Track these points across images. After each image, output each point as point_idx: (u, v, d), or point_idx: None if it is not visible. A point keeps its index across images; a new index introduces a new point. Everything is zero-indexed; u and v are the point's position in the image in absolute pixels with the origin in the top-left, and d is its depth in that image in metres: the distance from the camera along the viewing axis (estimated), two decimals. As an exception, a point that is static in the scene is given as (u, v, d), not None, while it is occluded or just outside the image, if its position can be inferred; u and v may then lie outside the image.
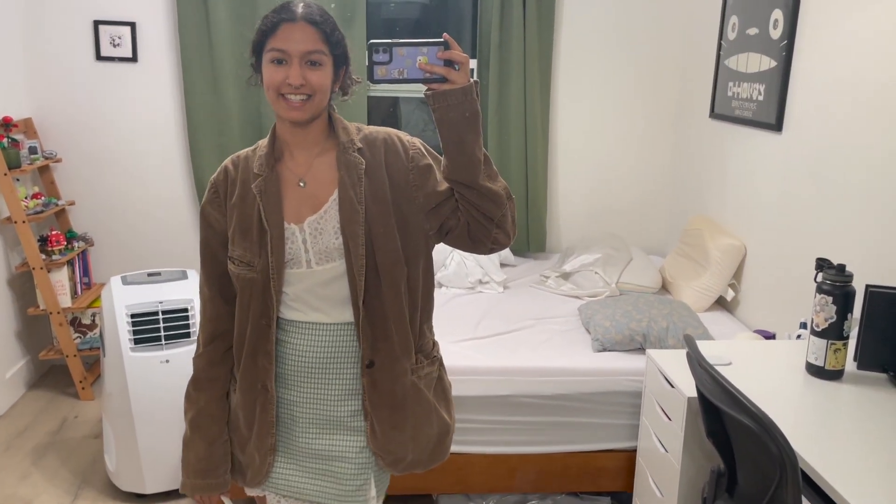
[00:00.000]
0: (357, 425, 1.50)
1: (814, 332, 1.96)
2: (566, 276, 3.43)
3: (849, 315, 1.92)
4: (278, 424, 1.51)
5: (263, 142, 1.51)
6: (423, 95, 1.34)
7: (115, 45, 3.60)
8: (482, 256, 3.45)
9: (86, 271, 3.70)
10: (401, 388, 1.48)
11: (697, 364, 1.61)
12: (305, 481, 1.51)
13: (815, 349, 1.96)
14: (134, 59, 3.63)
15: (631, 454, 2.52)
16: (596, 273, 3.32)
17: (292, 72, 1.36)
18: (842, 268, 1.92)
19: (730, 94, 3.24)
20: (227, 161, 1.53)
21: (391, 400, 1.47)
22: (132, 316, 2.63)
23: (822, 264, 1.97)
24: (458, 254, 3.45)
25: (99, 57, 3.61)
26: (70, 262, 3.54)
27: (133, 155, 3.75)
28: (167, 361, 2.61)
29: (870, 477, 1.49)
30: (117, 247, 3.83)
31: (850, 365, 2.03)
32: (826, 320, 1.92)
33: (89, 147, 3.71)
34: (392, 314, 1.45)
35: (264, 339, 1.46)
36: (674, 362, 2.17)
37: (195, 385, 1.56)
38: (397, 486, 2.27)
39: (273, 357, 1.47)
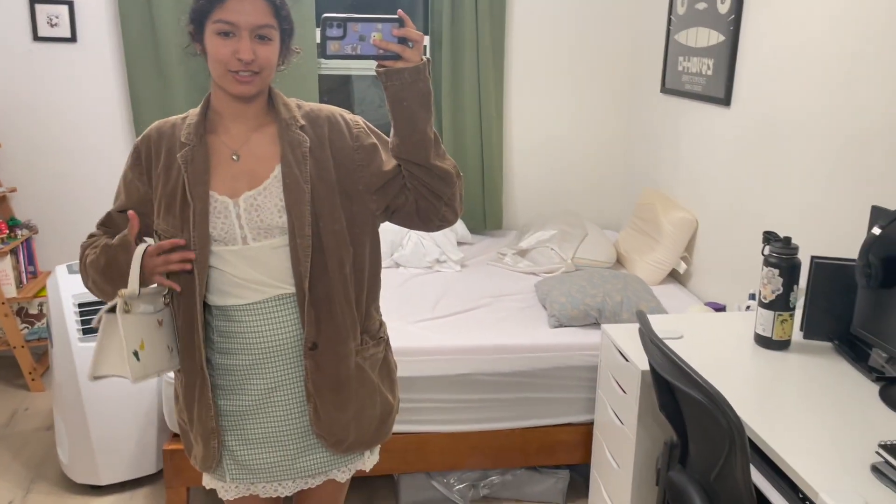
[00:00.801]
0: None
1: (761, 304, 2.00)
2: (523, 252, 3.45)
3: (795, 286, 1.97)
4: (255, 415, 1.48)
5: (195, 111, 1.46)
6: (374, 72, 1.33)
7: (52, 25, 3.46)
8: (439, 235, 3.44)
9: (31, 260, 3.59)
10: (345, 369, 1.47)
11: (649, 340, 1.64)
12: (293, 462, 1.50)
13: (763, 320, 2.00)
14: (73, 39, 3.50)
15: (588, 427, 2.56)
16: (552, 249, 3.34)
17: (242, 46, 1.32)
18: (787, 240, 1.97)
19: (680, 68, 3.27)
20: (153, 127, 1.48)
21: (335, 382, 1.47)
22: (79, 305, 2.56)
23: (768, 237, 2.01)
24: (415, 233, 3.43)
25: (36, 37, 3.48)
26: (14, 251, 3.43)
27: (77, 139, 3.63)
28: (118, 351, 2.55)
29: (815, 443, 1.53)
30: (63, 234, 3.72)
31: (797, 335, 2.08)
32: (773, 292, 1.96)
33: (30, 131, 3.58)
34: (337, 295, 1.44)
35: (192, 317, 1.42)
36: (628, 337, 2.20)
37: (83, 251, 1.49)
38: (357, 468, 2.27)
39: (202, 336, 1.43)
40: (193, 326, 1.43)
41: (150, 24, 3.43)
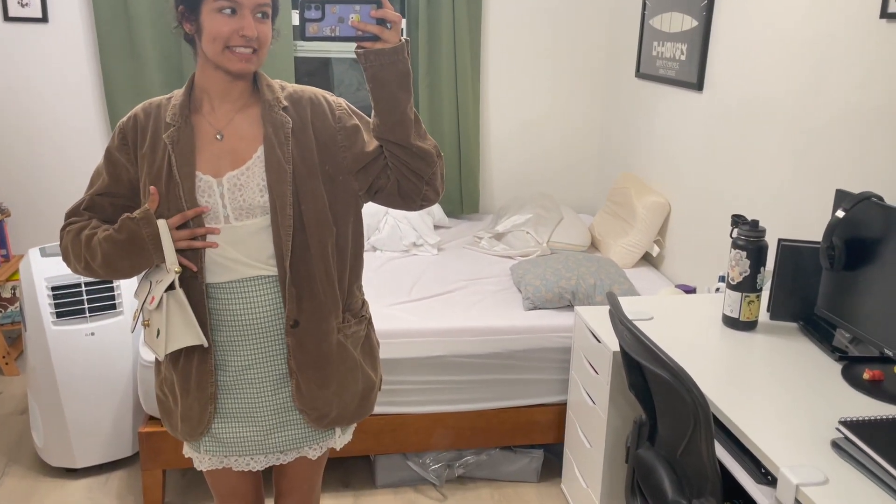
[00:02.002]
0: None
1: (729, 286, 2.04)
2: (499, 236, 3.47)
3: (762, 268, 2.01)
4: (230, 392, 1.50)
5: (179, 91, 1.48)
6: (354, 54, 1.35)
7: (23, 5, 3.40)
8: (416, 219, 3.45)
9: (3, 243, 3.55)
10: (327, 347, 1.50)
11: (618, 320, 1.67)
12: (265, 438, 1.52)
13: (731, 302, 2.04)
14: (44, 19, 3.45)
15: (561, 408, 2.60)
16: (527, 233, 3.36)
17: (247, 23, 1.34)
18: (755, 223, 2.00)
19: (654, 53, 3.29)
20: (139, 108, 1.49)
21: (317, 359, 1.49)
22: (53, 288, 2.54)
23: (737, 220, 2.04)
24: (391, 217, 3.44)
25: (7, 17, 3.42)
26: (-15, 234, 3.40)
27: (49, 121, 3.58)
28: (92, 334, 2.54)
29: (777, 421, 1.58)
30: (35, 217, 3.68)
31: (764, 316, 2.13)
32: (741, 274, 2.00)
33: (2, 113, 3.53)
34: (319, 274, 1.46)
35: (194, 289, 1.45)
36: (600, 318, 2.24)
37: (76, 234, 1.47)
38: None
39: (207, 308, 1.45)
40: (196, 299, 1.45)
41: (122, 4, 3.39)
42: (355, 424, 1.65)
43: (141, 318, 1.50)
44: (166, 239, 1.41)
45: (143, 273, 1.51)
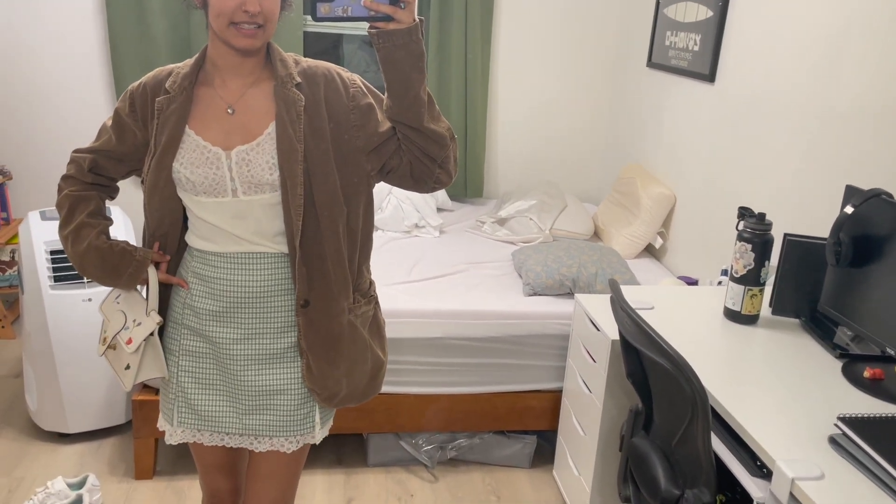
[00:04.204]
0: (296, 358, 1.50)
1: (732, 279, 2.02)
2: (502, 221, 3.45)
3: (766, 262, 1.99)
4: (215, 362, 1.50)
5: (189, 61, 1.46)
6: (366, 33, 1.31)
7: (31, -34, 3.37)
8: (419, 201, 3.43)
9: (3, 206, 3.53)
10: (338, 326, 1.48)
11: (619, 307, 1.65)
12: (242, 417, 1.51)
13: (733, 294, 2.03)
14: (52, -19, 3.41)
15: (557, 394, 2.59)
16: (530, 219, 3.34)
17: None
18: (762, 216, 1.98)
19: (667, 43, 3.26)
20: (150, 74, 1.48)
21: (328, 339, 1.48)
22: (51, 252, 2.53)
23: (743, 213, 2.02)
24: (394, 197, 3.42)
25: (14, -22, 3.39)
26: (-14, 197, 3.38)
27: (53, 85, 3.56)
28: (89, 300, 2.53)
29: (775, 414, 1.57)
30: (36, 180, 3.66)
31: (766, 310, 2.11)
32: (745, 267, 1.99)
33: (7, 77, 3.50)
34: (330, 254, 1.44)
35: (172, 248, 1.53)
36: (600, 306, 2.22)
37: (73, 205, 1.51)
38: (326, 425, 2.28)
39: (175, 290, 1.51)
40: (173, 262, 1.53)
41: (132, -30, 3.35)
42: (332, 420, 1.61)
43: (108, 342, 1.54)
44: (154, 286, 1.49)
45: (115, 293, 1.55)
